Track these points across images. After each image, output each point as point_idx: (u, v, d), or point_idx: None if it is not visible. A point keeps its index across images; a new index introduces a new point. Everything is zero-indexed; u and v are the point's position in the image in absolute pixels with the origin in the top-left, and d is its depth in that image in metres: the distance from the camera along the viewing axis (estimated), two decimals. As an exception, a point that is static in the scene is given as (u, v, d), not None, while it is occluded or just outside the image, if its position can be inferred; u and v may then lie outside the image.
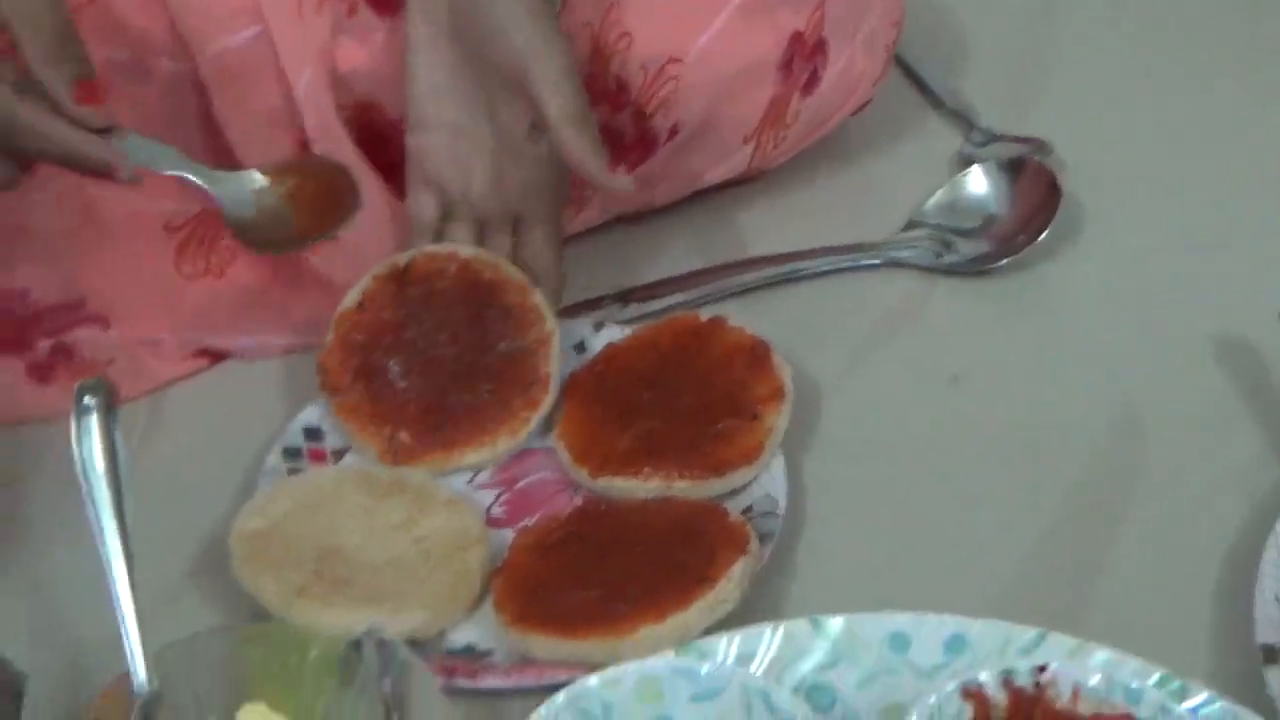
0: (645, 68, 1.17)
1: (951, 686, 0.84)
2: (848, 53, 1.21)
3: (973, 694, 0.84)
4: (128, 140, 1.03)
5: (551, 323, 1.10)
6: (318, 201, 1.08)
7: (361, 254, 1.14)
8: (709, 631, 0.94)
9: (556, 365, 1.09)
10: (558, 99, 1.06)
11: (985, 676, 0.84)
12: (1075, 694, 0.84)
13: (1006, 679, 0.84)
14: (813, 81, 1.21)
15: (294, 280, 1.17)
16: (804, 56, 1.20)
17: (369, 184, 1.14)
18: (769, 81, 1.19)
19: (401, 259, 1.12)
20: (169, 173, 1.06)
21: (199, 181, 1.06)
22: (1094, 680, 0.84)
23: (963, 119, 1.30)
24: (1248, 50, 1.34)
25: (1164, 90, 1.32)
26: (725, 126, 1.20)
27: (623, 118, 1.18)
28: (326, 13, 1.13)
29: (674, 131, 1.19)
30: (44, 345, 1.15)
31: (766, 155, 1.23)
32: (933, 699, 0.84)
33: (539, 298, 1.11)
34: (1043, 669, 0.84)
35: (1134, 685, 0.83)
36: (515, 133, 1.11)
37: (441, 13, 1.10)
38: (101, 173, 1.02)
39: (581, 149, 1.07)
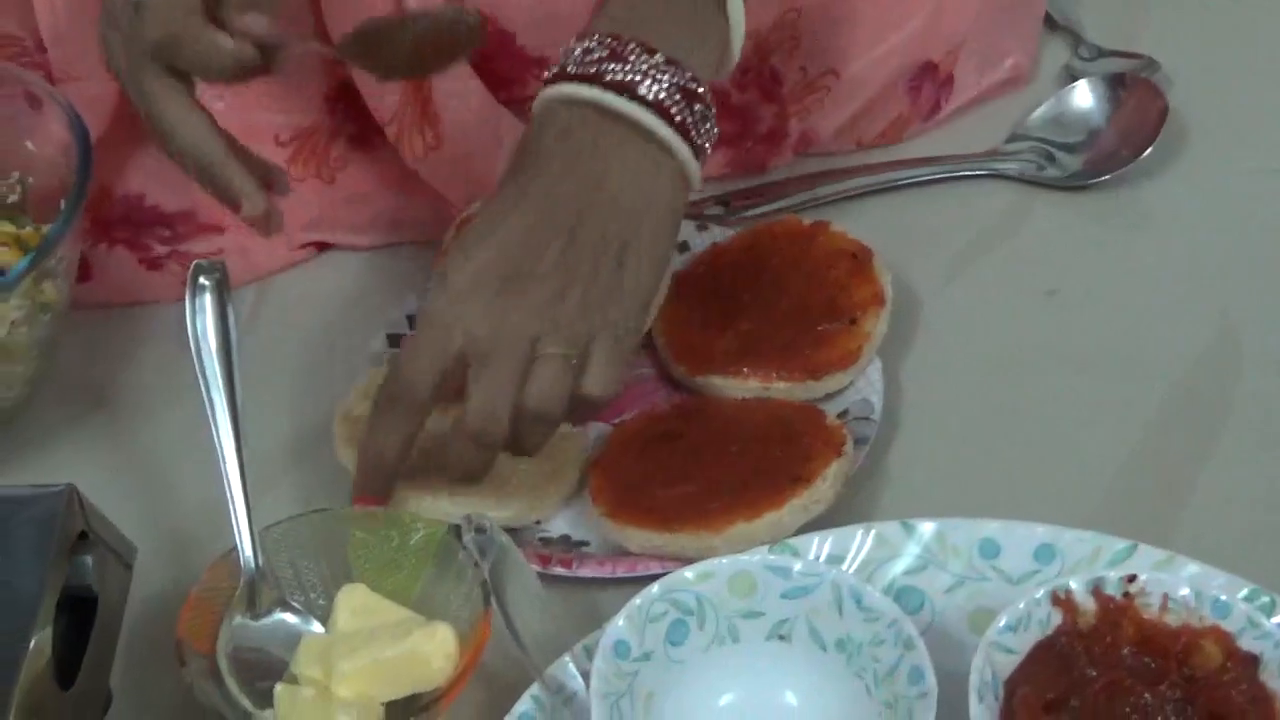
0: (805, 69, 1.18)
1: (1041, 593, 0.85)
2: (973, 92, 1.23)
3: (1061, 600, 0.85)
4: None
5: None
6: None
7: (468, 163, 1.15)
8: (802, 531, 0.96)
9: (661, 291, 1.09)
10: None
11: (1075, 584, 0.85)
12: (1164, 605, 0.85)
13: (1096, 587, 0.85)
14: (934, 110, 1.23)
15: (402, 185, 1.18)
16: (933, 83, 1.21)
17: (477, 95, 1.14)
18: (897, 102, 1.21)
19: None
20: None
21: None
22: (1182, 592, 0.85)
23: (1070, 33, 1.29)
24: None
25: (1274, 10, 1.31)
26: (848, 133, 1.22)
27: (765, 108, 1.19)
28: None
29: (806, 141, 1.21)
30: (161, 249, 1.17)
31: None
32: (1022, 604, 0.85)
33: None
34: (1132, 579, 0.85)
35: (1222, 598, 0.84)
36: None
37: None
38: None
39: None
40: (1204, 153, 1.20)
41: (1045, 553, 0.93)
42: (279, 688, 0.89)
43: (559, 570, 0.98)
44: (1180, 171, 1.19)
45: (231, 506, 0.92)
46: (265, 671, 0.91)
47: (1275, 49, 1.28)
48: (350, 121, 1.16)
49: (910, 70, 1.20)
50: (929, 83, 1.21)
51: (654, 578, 0.90)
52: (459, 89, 1.13)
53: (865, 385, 1.05)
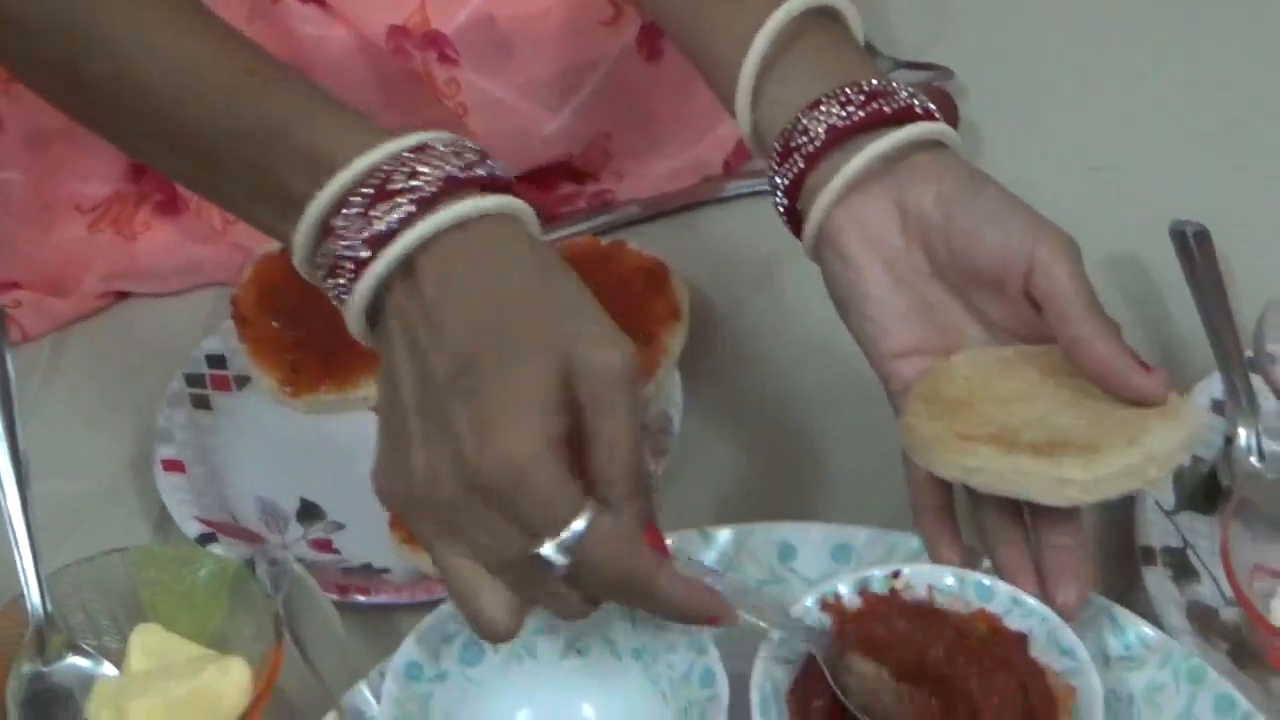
0: (620, 174, 1.22)
1: (810, 600, 0.86)
2: None
3: (830, 605, 0.86)
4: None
5: None
6: None
7: None
8: (598, 544, 0.96)
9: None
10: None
11: (842, 586, 0.86)
12: (930, 596, 0.86)
13: (863, 587, 0.86)
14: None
15: (207, 237, 1.18)
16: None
17: None
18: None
19: None
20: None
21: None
22: (947, 581, 0.86)
23: (866, 46, 1.30)
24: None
25: (1062, 21, 1.33)
26: None
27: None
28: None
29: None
30: None
31: None
32: (792, 612, 0.85)
33: None
34: (896, 574, 0.86)
35: (985, 583, 0.85)
36: None
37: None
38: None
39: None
40: (996, 158, 1.21)
41: (842, 552, 0.94)
42: (72, 732, 0.89)
43: (358, 598, 0.98)
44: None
45: (16, 552, 0.91)
46: (61, 719, 0.90)
47: (1065, 56, 1.30)
48: (157, 190, 1.17)
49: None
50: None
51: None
52: None
53: (664, 399, 1.06)
